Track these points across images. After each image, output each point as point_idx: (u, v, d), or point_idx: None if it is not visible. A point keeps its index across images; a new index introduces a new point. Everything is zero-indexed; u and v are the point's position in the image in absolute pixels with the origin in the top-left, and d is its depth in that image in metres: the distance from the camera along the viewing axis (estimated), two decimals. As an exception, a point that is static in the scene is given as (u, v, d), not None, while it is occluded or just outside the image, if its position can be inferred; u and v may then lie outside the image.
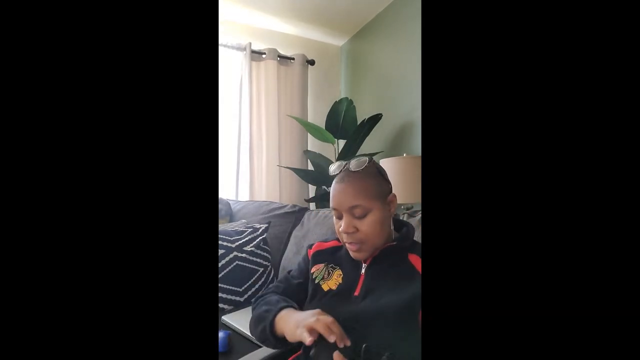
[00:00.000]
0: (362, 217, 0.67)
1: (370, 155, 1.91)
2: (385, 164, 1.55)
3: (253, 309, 0.74)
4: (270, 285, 0.82)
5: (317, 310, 0.60)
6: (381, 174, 0.72)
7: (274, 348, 0.67)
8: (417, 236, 0.94)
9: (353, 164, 0.69)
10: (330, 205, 0.70)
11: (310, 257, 0.80)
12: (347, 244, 0.69)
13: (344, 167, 0.71)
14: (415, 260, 0.67)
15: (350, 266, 0.72)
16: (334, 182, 0.71)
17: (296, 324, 0.59)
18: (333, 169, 0.73)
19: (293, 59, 2.33)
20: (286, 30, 2.41)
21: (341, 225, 0.68)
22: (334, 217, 0.71)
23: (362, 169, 0.68)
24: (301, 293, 0.76)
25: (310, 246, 0.84)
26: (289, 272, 0.85)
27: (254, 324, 0.70)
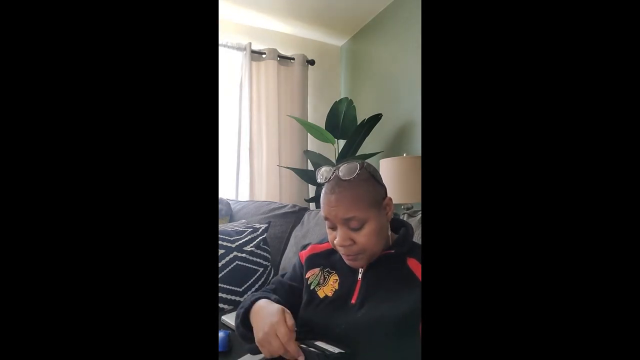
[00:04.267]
0: (358, 228, 0.62)
1: (369, 155, 1.92)
2: (385, 164, 1.55)
3: None
4: (263, 288, 0.79)
5: (279, 318, 0.58)
6: (374, 178, 0.66)
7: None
8: (417, 236, 0.94)
9: (343, 172, 0.64)
10: (322, 215, 0.66)
11: (304, 261, 0.77)
12: (343, 255, 0.66)
13: (332, 175, 0.65)
14: (414, 266, 0.65)
15: (346, 271, 0.69)
16: (323, 192, 0.65)
17: (261, 328, 0.58)
18: (322, 176, 0.67)
19: (293, 59, 2.33)
20: (286, 30, 2.41)
21: (336, 237, 0.64)
22: (327, 227, 0.67)
23: (353, 177, 0.63)
24: (294, 296, 0.74)
25: (304, 247, 0.80)
26: (282, 275, 0.82)
27: (234, 323, 0.69)
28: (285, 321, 0.57)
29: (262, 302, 0.65)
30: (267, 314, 0.60)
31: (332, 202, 0.63)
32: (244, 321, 0.65)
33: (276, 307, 0.61)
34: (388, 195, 0.69)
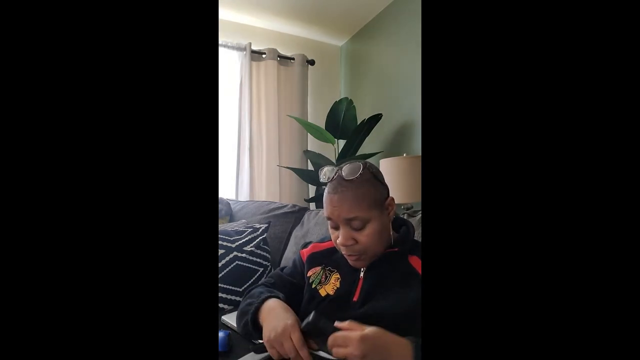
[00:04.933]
0: (360, 228, 0.63)
1: (369, 155, 1.92)
2: (385, 164, 1.55)
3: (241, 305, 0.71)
4: (261, 281, 0.78)
5: (294, 322, 0.57)
6: (377, 178, 0.67)
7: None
8: (417, 236, 0.94)
9: (346, 172, 0.64)
10: (324, 214, 0.66)
11: (305, 260, 0.77)
12: (346, 255, 0.66)
13: (335, 175, 0.65)
14: (416, 262, 0.65)
15: (348, 269, 0.69)
16: (326, 191, 0.65)
17: (273, 328, 0.57)
18: (324, 175, 0.66)
19: (293, 59, 2.33)
20: (286, 30, 2.41)
21: (338, 237, 0.64)
22: (329, 227, 0.67)
23: (356, 177, 0.63)
24: (293, 294, 0.74)
25: (305, 245, 0.80)
26: (281, 269, 0.81)
27: (238, 319, 0.68)
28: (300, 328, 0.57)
29: (273, 303, 0.64)
30: (280, 316, 0.59)
31: (334, 202, 0.63)
32: (254, 320, 0.63)
33: (290, 311, 0.61)
34: (390, 195, 0.69)
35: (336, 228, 0.65)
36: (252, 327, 0.63)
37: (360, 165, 0.64)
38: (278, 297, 0.66)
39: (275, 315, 0.60)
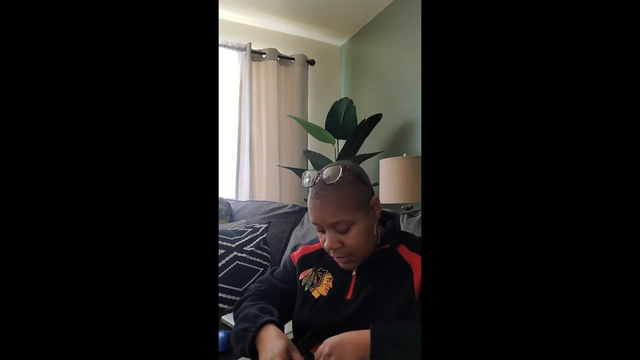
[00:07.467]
0: (345, 231, 0.63)
1: (369, 155, 1.92)
2: (385, 164, 1.55)
3: (235, 317, 0.71)
4: (252, 286, 0.77)
5: (281, 350, 0.56)
6: (360, 179, 0.66)
7: None
8: (417, 233, 0.94)
9: (327, 176, 0.63)
10: (310, 219, 0.66)
11: (295, 263, 0.76)
12: (334, 258, 0.66)
13: (317, 179, 0.64)
14: (405, 252, 0.66)
15: (340, 269, 0.69)
16: (309, 196, 0.65)
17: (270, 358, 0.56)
18: (309, 178, 0.66)
19: (293, 59, 2.33)
20: (286, 30, 2.41)
21: (325, 240, 0.64)
22: (317, 230, 0.67)
23: (337, 181, 0.62)
24: (285, 300, 0.73)
25: (295, 248, 0.80)
26: (272, 271, 0.81)
27: (234, 341, 0.66)
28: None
29: (271, 332, 0.62)
30: (273, 345, 0.58)
31: (317, 207, 0.63)
32: (252, 348, 0.62)
33: (283, 338, 0.60)
34: (375, 194, 0.69)
35: (323, 231, 0.65)
36: (250, 354, 0.62)
37: (340, 168, 0.63)
38: (274, 321, 0.64)
39: (269, 347, 0.59)
